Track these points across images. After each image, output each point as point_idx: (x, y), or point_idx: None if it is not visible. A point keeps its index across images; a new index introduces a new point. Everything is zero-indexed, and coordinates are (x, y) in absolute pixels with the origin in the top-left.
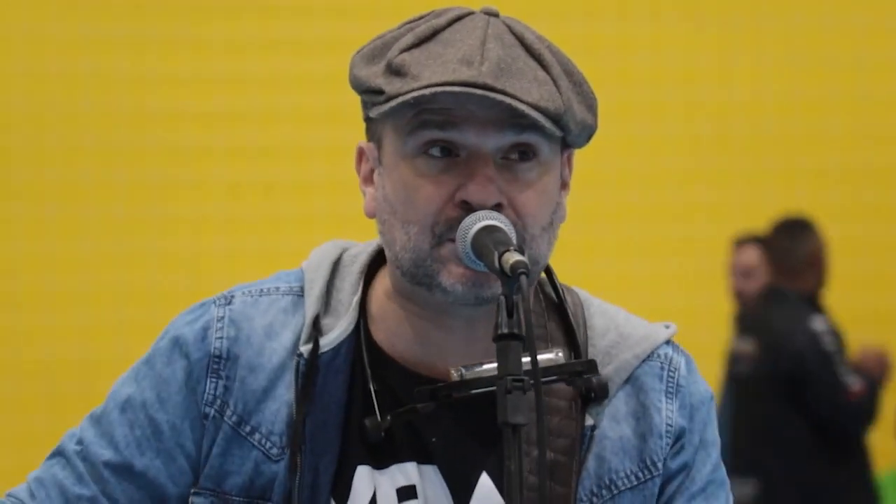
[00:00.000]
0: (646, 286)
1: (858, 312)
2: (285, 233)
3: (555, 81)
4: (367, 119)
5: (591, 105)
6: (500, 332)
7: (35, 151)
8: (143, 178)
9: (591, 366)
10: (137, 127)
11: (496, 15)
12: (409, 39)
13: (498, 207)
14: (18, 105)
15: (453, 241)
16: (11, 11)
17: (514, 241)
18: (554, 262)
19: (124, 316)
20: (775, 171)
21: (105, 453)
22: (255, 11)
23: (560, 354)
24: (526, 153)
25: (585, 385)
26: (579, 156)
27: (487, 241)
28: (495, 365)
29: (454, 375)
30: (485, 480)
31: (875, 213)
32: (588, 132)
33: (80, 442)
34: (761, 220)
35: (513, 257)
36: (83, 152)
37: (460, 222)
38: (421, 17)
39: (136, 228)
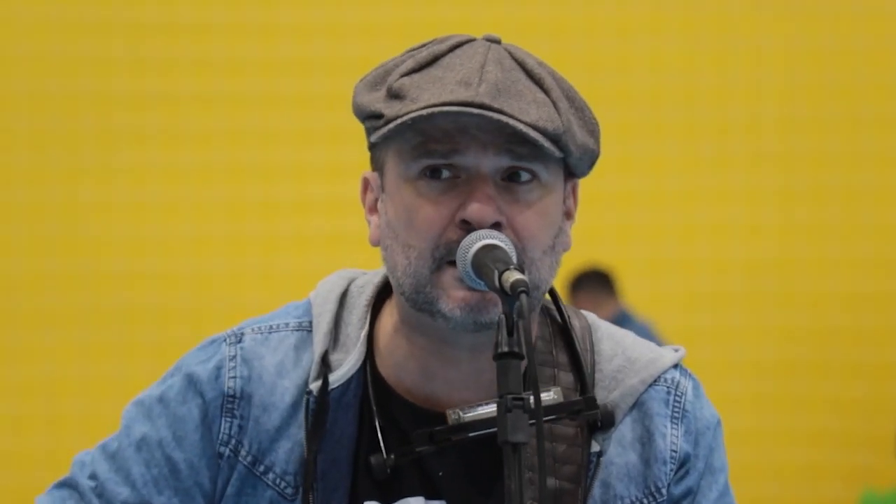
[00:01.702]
0: (646, 305)
1: (858, 330)
2: (286, 252)
3: (554, 103)
4: (371, 147)
5: (592, 130)
6: (500, 350)
7: (35, 170)
8: (144, 197)
9: (590, 403)
10: (138, 146)
11: (498, 42)
12: (409, 65)
13: (497, 226)
14: (19, 125)
15: (453, 264)
16: (12, 31)
17: (515, 260)
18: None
19: (125, 335)
20: (775, 188)
21: (122, 491)
22: (256, 31)
23: (556, 394)
24: (525, 175)
25: (591, 418)
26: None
27: (487, 259)
28: (493, 407)
29: (451, 418)
30: None
31: (874, 233)
32: (590, 157)
33: (93, 476)
34: (761, 237)
35: (513, 276)
36: (83, 171)
37: (460, 244)
38: (423, 45)
39: (137, 247)
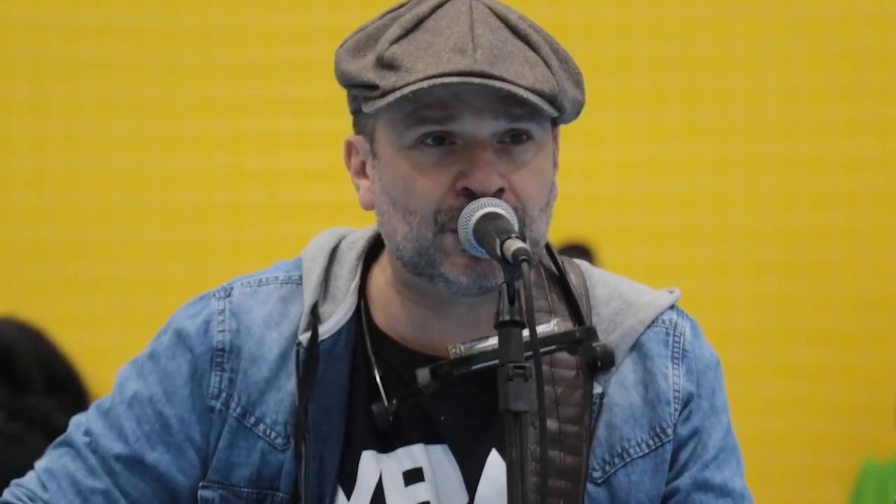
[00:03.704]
0: (646, 273)
1: (860, 299)
2: (288, 221)
3: (545, 62)
4: (356, 112)
5: (577, 80)
6: (501, 318)
7: (36, 140)
8: (145, 167)
9: (590, 332)
10: (138, 116)
11: None
12: (395, 31)
13: (500, 193)
14: (20, 93)
15: (455, 231)
16: (11, 3)
17: (516, 227)
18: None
19: (127, 305)
20: (776, 157)
21: (115, 446)
22: (256, 0)
23: (557, 325)
24: (521, 135)
25: (591, 353)
26: (578, 143)
27: (489, 228)
28: (494, 340)
29: (452, 353)
30: (494, 457)
31: (876, 202)
32: (578, 108)
33: (88, 433)
34: (762, 205)
35: (514, 244)
36: (85, 141)
37: (462, 210)
38: (402, 6)
39: (139, 217)
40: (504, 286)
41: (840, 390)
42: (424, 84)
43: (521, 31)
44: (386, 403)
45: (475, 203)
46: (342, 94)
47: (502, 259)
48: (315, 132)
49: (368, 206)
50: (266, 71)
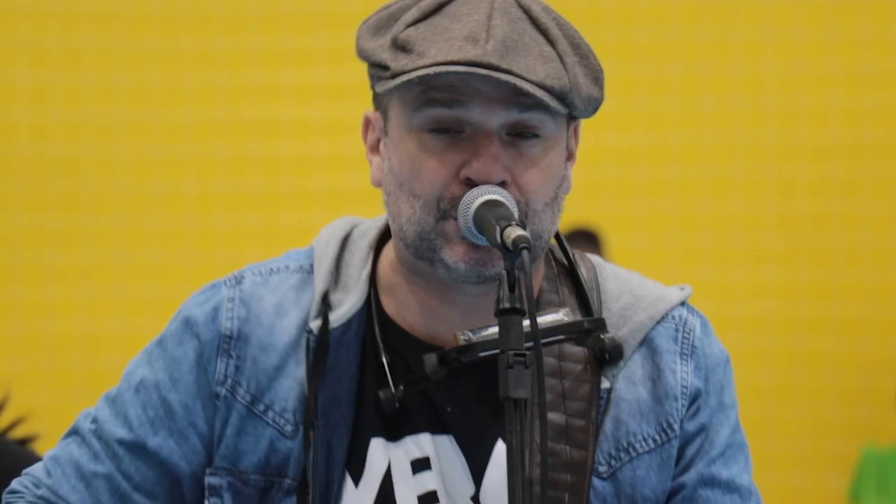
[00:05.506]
0: (647, 261)
1: (860, 287)
2: (288, 209)
3: (561, 57)
4: (374, 89)
5: (597, 77)
6: (501, 306)
7: (36, 127)
8: (146, 155)
9: (599, 323)
10: (139, 103)
11: None
12: (414, 14)
13: (502, 185)
14: (20, 81)
15: (456, 218)
16: None
17: (516, 215)
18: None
19: (127, 292)
20: (777, 144)
21: (119, 431)
22: None
23: (565, 315)
24: (529, 131)
25: (599, 347)
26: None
27: (489, 215)
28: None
29: (460, 339)
30: (501, 448)
31: (877, 189)
32: (594, 105)
33: (94, 421)
34: (762, 193)
35: (515, 232)
36: (85, 128)
37: (462, 199)
38: None
39: (139, 205)
40: (504, 273)
41: (840, 377)
42: (431, 70)
43: (541, 23)
44: (393, 390)
45: (475, 190)
46: (343, 82)
47: (502, 246)
48: (316, 120)
49: (377, 184)
50: (266, 58)
